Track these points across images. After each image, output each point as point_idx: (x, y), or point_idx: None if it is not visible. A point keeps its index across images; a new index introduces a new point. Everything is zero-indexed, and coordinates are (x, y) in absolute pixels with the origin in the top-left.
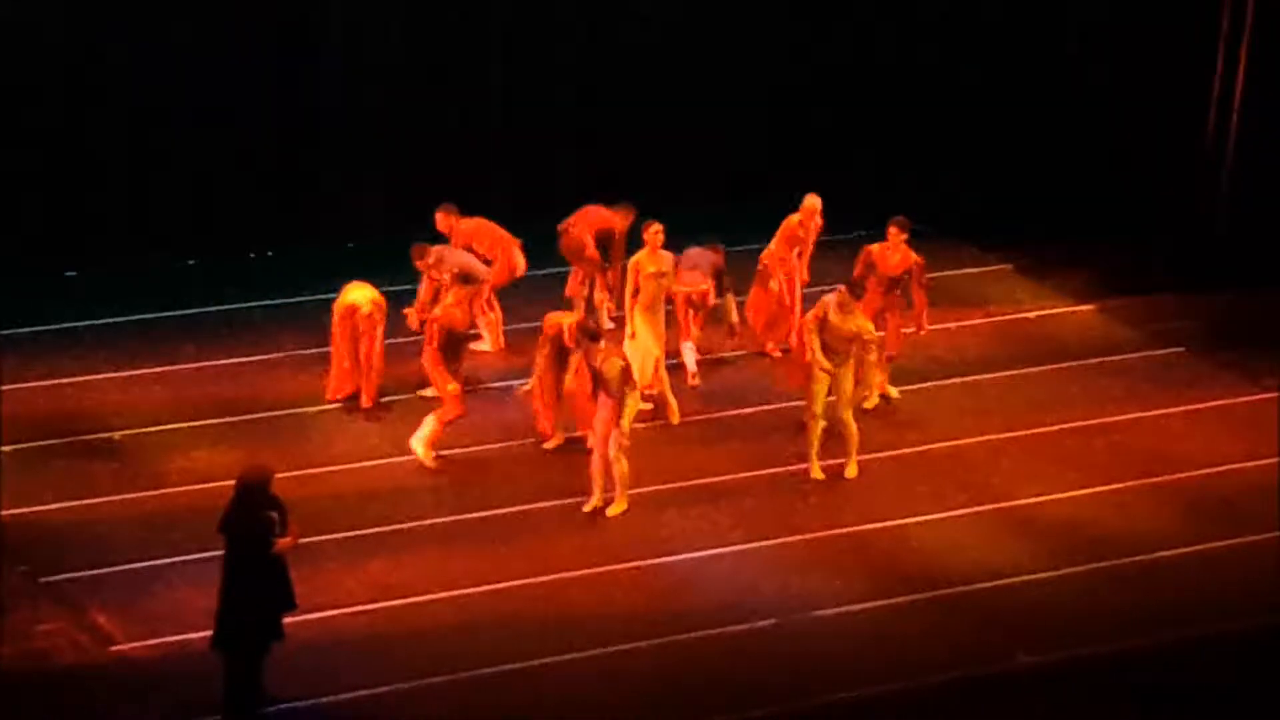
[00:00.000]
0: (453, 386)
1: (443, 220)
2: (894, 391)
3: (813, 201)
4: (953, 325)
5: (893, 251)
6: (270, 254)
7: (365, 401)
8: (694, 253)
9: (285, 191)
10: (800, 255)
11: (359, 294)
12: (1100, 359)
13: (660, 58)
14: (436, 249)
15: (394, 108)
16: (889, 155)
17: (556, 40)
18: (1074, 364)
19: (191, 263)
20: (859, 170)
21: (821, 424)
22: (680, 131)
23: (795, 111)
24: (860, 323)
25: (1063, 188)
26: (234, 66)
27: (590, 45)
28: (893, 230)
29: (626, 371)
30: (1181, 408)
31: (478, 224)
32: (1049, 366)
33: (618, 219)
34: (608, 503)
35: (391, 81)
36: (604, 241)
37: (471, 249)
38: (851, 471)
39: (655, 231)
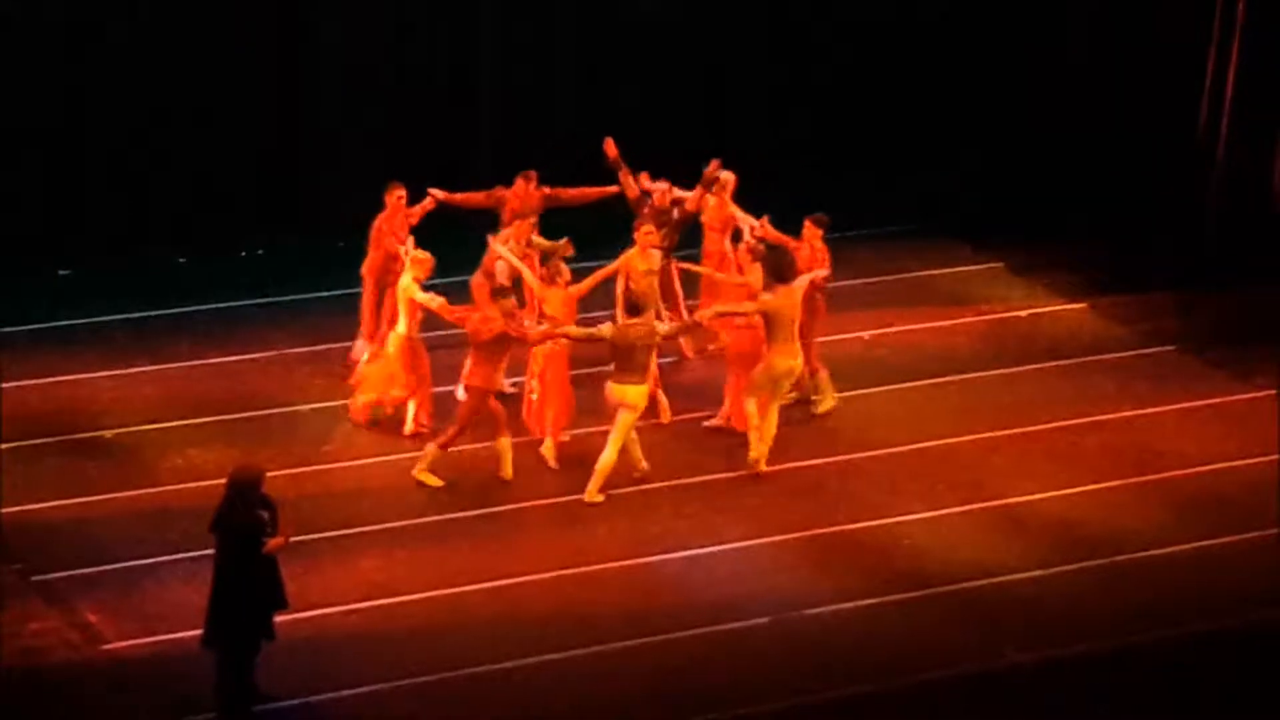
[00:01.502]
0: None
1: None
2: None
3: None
4: (944, 324)
5: (805, 247)
6: (261, 252)
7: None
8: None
9: (278, 189)
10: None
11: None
12: (1092, 357)
13: (657, 56)
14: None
15: (389, 105)
16: (883, 154)
17: (552, 41)
18: (1066, 362)
19: (184, 260)
20: (853, 169)
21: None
22: (675, 132)
23: (788, 111)
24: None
25: (1055, 186)
26: (228, 64)
27: (586, 45)
28: (808, 225)
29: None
30: (1174, 406)
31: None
32: (1041, 365)
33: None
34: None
35: (387, 80)
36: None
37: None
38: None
39: (647, 231)
